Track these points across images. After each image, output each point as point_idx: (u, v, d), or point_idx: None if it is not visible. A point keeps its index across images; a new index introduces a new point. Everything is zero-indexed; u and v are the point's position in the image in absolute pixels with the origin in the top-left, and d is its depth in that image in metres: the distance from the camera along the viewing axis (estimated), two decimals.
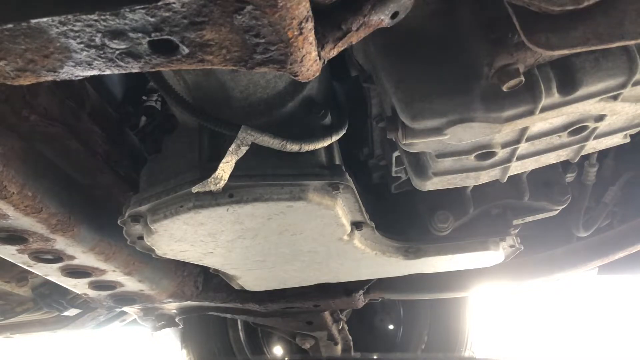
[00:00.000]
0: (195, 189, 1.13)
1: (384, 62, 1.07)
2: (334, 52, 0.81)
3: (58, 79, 0.75)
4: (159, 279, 1.78)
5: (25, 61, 0.71)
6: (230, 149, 1.08)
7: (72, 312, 2.11)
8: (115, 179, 1.49)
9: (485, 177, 1.30)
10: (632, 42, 0.84)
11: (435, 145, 1.13)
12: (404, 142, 1.10)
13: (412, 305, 3.46)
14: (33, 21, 0.64)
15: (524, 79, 0.94)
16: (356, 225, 1.41)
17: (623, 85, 0.99)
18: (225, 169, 1.10)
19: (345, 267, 1.64)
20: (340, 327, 2.62)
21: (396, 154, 1.39)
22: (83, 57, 0.71)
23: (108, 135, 1.47)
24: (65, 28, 0.65)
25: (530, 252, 1.87)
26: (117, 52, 0.70)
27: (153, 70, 0.76)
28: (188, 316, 2.23)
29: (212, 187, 1.13)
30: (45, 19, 0.64)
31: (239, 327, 3.41)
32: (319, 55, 0.77)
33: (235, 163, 1.11)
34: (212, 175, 1.10)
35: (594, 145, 1.27)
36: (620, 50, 0.96)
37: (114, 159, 1.49)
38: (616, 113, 1.10)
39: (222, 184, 1.13)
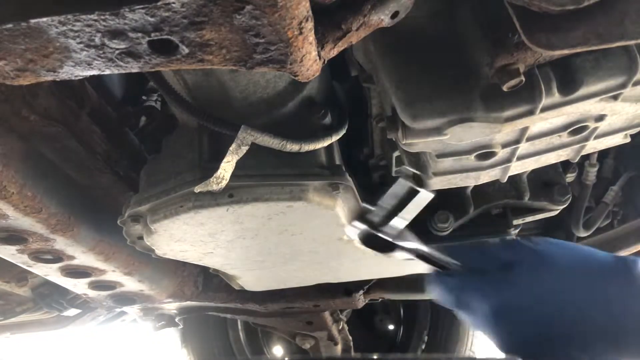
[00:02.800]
0: (197, 188, 1.13)
1: (384, 62, 1.07)
2: (334, 52, 0.81)
3: (58, 79, 0.75)
4: (159, 279, 1.78)
5: (24, 61, 0.70)
6: (230, 148, 1.08)
7: (72, 312, 2.10)
8: (115, 179, 1.48)
9: (485, 177, 1.30)
10: (632, 42, 0.84)
11: (435, 145, 1.13)
12: (404, 142, 1.09)
13: (412, 305, 3.46)
14: (33, 21, 0.64)
15: (524, 79, 0.94)
16: None
17: (623, 85, 0.98)
18: (226, 168, 1.10)
19: (345, 267, 1.64)
20: (340, 327, 2.62)
21: (396, 154, 1.38)
22: (83, 57, 0.70)
23: (108, 135, 1.47)
24: (64, 28, 0.65)
25: None
26: (117, 52, 0.70)
27: (153, 70, 0.76)
28: (188, 316, 2.23)
29: (214, 187, 1.13)
30: (45, 19, 0.63)
31: (239, 327, 3.42)
32: (319, 55, 0.77)
33: (235, 163, 1.11)
34: (214, 175, 1.10)
35: (594, 145, 1.26)
36: (621, 50, 0.96)
37: (114, 159, 1.48)
38: (616, 113, 1.10)
39: (223, 183, 1.13)
